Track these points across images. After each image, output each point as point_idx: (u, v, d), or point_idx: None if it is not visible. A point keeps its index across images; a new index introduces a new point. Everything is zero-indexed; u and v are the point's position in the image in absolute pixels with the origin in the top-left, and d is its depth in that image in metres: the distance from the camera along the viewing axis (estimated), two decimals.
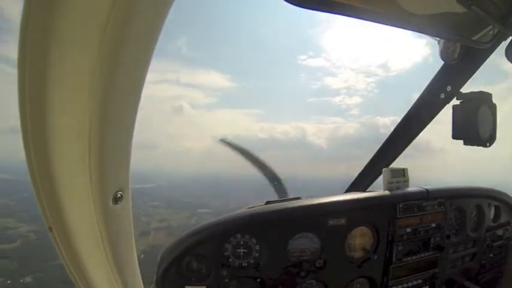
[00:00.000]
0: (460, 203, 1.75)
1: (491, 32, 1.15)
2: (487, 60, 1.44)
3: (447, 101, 1.57)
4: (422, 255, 1.59)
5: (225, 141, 2.04)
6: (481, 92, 1.42)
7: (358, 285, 1.54)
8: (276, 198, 1.59)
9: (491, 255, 1.92)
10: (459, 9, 0.92)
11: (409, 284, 1.57)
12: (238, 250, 1.32)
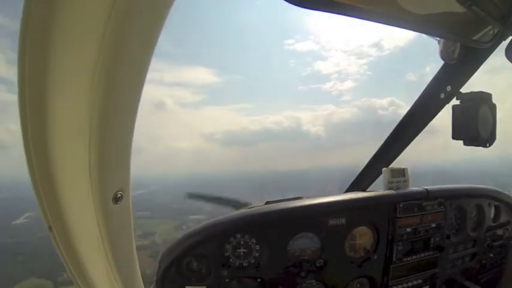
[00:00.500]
0: (460, 203, 1.75)
1: (491, 32, 1.15)
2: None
3: (447, 101, 1.57)
4: (422, 255, 1.59)
5: (193, 195, 2.07)
6: (481, 92, 1.42)
7: (358, 285, 1.54)
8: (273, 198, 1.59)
9: (491, 255, 1.92)
10: (459, 9, 0.92)
11: (409, 284, 1.57)
12: (239, 250, 1.32)
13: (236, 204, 1.80)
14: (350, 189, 2.14)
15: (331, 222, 1.40)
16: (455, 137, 1.41)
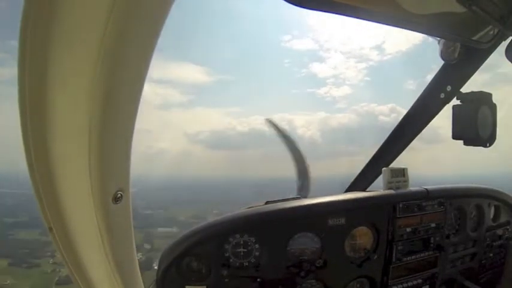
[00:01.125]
0: (460, 203, 1.75)
1: (491, 32, 1.15)
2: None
3: (447, 101, 1.57)
4: (422, 255, 1.59)
5: (271, 122, 2.09)
6: (481, 92, 1.42)
7: (358, 285, 1.54)
8: (274, 198, 1.58)
9: (491, 255, 1.92)
10: (459, 9, 0.92)
11: (409, 284, 1.57)
12: (238, 250, 1.32)
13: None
14: (350, 189, 2.14)
15: (331, 222, 1.39)
16: (455, 137, 1.41)
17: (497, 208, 1.96)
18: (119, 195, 0.70)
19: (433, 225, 1.60)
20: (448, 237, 1.70)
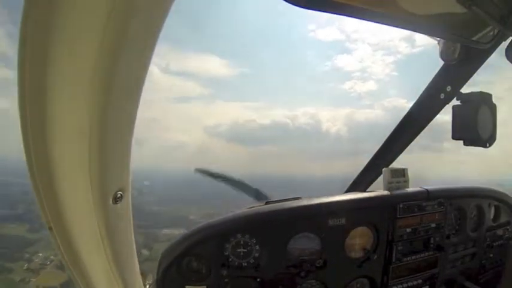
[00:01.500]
0: (460, 203, 1.75)
1: (491, 32, 1.15)
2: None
3: (447, 101, 1.57)
4: (422, 255, 1.59)
5: (201, 171, 2.04)
6: (481, 93, 1.42)
7: (358, 285, 1.54)
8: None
9: (491, 255, 1.92)
10: (459, 9, 0.92)
11: (409, 284, 1.57)
12: (238, 250, 1.32)
13: (256, 194, 1.80)
14: (350, 189, 2.14)
15: (331, 222, 1.39)
16: (455, 137, 1.41)
17: (497, 208, 1.96)
18: (119, 195, 0.70)
19: (433, 225, 1.60)
20: (448, 237, 1.70)
